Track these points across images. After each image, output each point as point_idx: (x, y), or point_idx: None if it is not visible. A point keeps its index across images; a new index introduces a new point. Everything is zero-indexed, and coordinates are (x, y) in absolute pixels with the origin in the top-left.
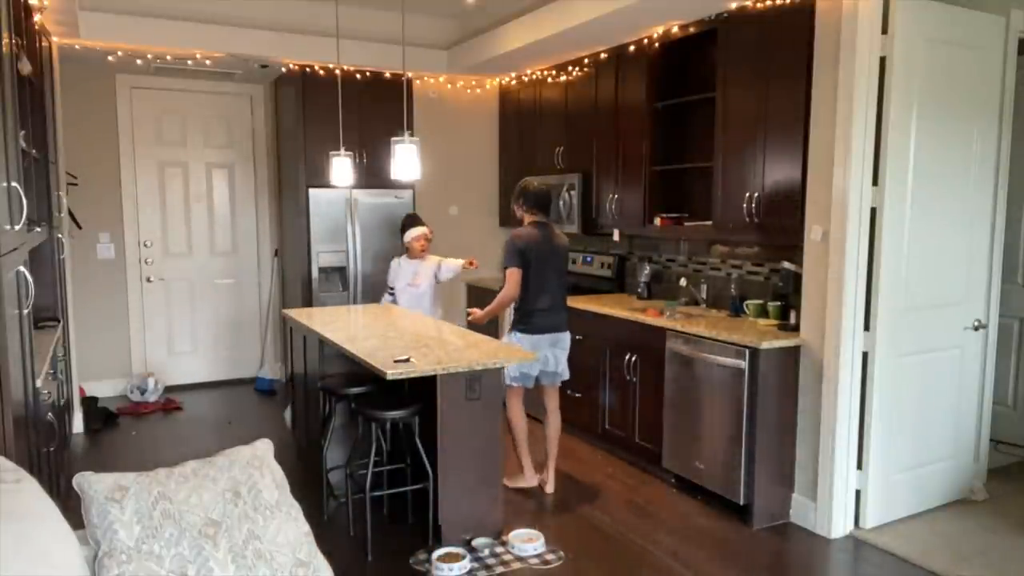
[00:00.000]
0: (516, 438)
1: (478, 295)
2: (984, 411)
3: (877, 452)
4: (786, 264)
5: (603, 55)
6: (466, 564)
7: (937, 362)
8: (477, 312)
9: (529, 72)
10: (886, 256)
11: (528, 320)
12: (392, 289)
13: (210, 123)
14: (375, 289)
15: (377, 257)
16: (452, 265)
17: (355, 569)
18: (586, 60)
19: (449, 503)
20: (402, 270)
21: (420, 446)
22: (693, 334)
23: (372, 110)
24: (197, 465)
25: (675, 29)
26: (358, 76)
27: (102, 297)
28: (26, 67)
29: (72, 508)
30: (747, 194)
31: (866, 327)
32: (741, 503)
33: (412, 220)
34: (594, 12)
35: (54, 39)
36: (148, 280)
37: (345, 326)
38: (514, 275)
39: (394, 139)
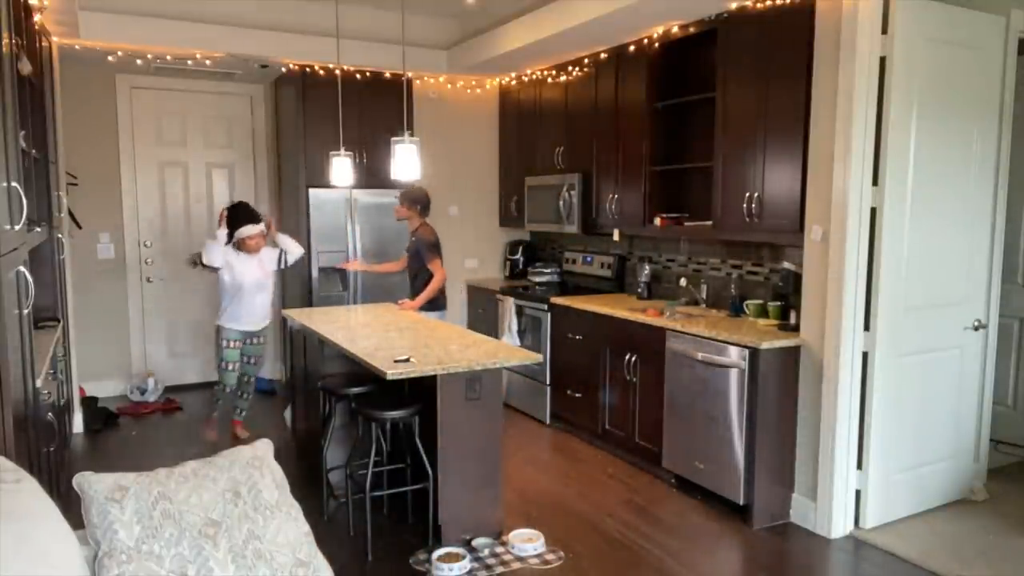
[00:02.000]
0: None
1: (478, 293)
2: (984, 411)
3: (877, 452)
4: (786, 264)
5: (603, 55)
6: (466, 564)
7: (937, 362)
8: (409, 302)
9: (529, 72)
10: (886, 256)
11: (441, 300)
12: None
13: (210, 123)
14: (375, 289)
15: (377, 257)
16: (295, 250)
17: (355, 569)
18: (586, 60)
19: (449, 503)
20: (242, 264)
21: (420, 446)
22: (693, 334)
23: (372, 110)
24: (197, 465)
25: (675, 29)
26: (358, 76)
27: (102, 297)
28: (26, 67)
29: (72, 508)
30: (747, 194)
31: (866, 327)
32: (741, 503)
33: (248, 214)
34: (594, 12)
35: (54, 39)
36: (148, 280)
37: (345, 326)
38: (439, 263)
39: (394, 139)
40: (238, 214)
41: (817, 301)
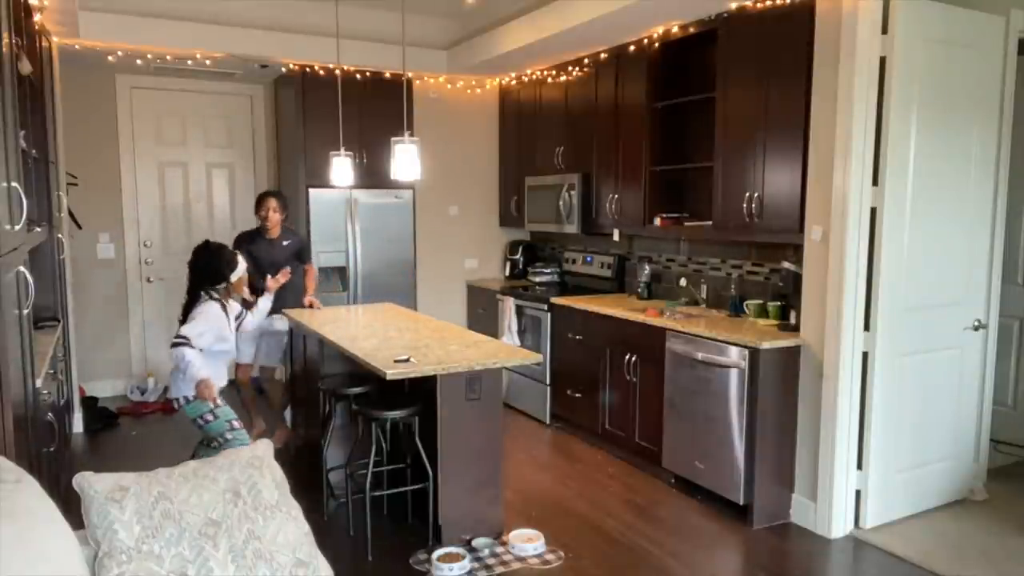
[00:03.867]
0: None
1: (478, 293)
2: (984, 411)
3: (877, 452)
4: (786, 264)
5: (603, 55)
6: (466, 564)
7: (937, 362)
8: (315, 299)
9: (529, 72)
10: (886, 256)
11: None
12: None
13: (210, 123)
14: (375, 289)
15: (377, 257)
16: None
17: (355, 569)
18: (586, 60)
19: (449, 503)
20: (233, 312)
21: (420, 446)
22: (693, 334)
23: (372, 110)
24: (197, 465)
25: (675, 29)
26: (358, 76)
27: (102, 297)
28: (26, 67)
29: (72, 508)
30: (747, 194)
31: (866, 327)
32: (741, 503)
33: (222, 249)
34: (594, 12)
35: (54, 39)
36: (148, 280)
37: (345, 326)
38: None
39: (394, 139)
40: (221, 253)
41: (817, 301)
